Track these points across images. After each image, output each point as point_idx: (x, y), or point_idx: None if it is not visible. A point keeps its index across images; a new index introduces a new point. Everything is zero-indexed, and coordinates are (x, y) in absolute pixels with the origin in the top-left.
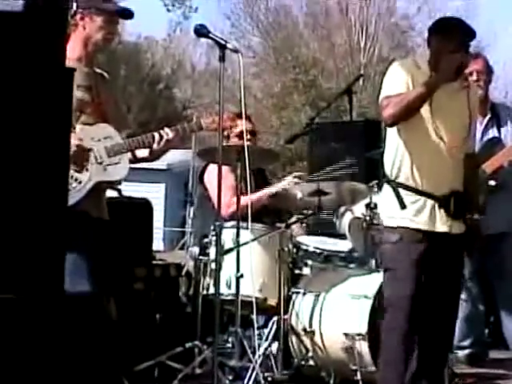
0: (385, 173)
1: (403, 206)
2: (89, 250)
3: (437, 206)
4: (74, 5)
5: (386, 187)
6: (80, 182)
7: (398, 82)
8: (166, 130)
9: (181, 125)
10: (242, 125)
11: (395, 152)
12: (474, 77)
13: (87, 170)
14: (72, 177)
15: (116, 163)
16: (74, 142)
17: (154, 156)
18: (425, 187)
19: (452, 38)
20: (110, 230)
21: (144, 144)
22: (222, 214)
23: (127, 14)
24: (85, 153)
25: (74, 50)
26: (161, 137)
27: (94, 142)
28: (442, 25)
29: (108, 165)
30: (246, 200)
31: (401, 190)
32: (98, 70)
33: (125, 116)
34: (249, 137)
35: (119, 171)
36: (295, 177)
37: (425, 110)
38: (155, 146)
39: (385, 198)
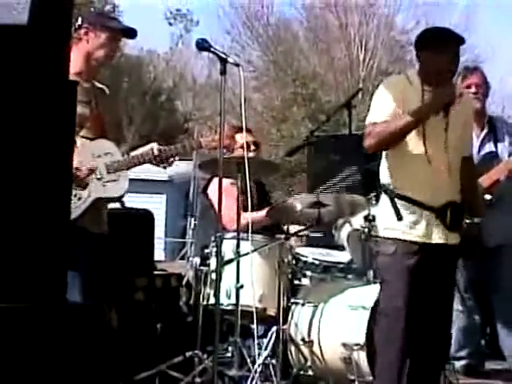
0: (381, 183)
1: (400, 218)
2: (84, 266)
3: (433, 217)
4: (80, 19)
5: (384, 198)
6: (79, 199)
7: (383, 106)
8: (165, 148)
9: (181, 143)
10: (243, 137)
11: (392, 163)
12: (473, 89)
13: (87, 185)
14: (72, 193)
15: (115, 180)
16: (75, 158)
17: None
18: (421, 198)
19: (442, 49)
20: (109, 244)
21: (144, 161)
22: (228, 228)
23: (131, 33)
24: (85, 169)
25: (75, 64)
26: (159, 156)
27: (94, 157)
28: (428, 37)
29: (107, 181)
30: (248, 218)
31: (397, 201)
32: (99, 85)
33: (123, 131)
34: (253, 147)
35: (118, 188)
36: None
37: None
38: (154, 162)
39: (382, 209)
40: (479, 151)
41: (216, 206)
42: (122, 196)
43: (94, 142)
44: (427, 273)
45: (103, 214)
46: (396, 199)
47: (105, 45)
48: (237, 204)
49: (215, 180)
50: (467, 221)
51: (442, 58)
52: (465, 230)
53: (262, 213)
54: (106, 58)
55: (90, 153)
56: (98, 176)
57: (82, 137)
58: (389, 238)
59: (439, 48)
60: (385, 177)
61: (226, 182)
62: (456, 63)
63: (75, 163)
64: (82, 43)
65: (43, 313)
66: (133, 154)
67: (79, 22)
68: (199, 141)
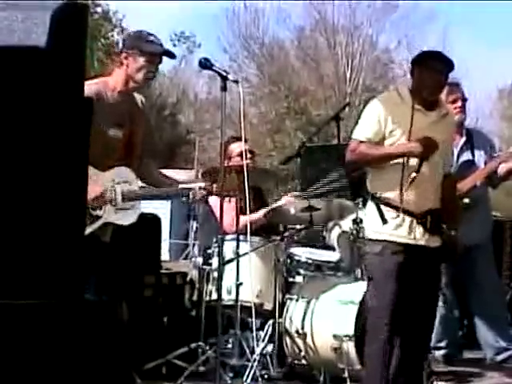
0: (368, 190)
1: (385, 221)
2: (96, 269)
3: (415, 221)
4: (121, 43)
5: (370, 204)
6: (92, 220)
7: (370, 125)
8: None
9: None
10: (240, 146)
11: (378, 171)
12: (459, 103)
13: (100, 208)
14: (87, 213)
15: (127, 209)
16: (98, 188)
17: None
18: (404, 205)
19: (432, 66)
20: (113, 248)
21: (156, 196)
22: (228, 231)
23: (169, 55)
24: (105, 198)
25: (116, 85)
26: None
27: (113, 183)
28: (424, 57)
29: (120, 209)
30: (246, 219)
31: (382, 207)
32: (138, 97)
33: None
34: (249, 156)
35: (128, 217)
36: (291, 196)
37: (406, 135)
38: (164, 196)
39: (368, 214)
40: (458, 159)
41: (216, 212)
42: (131, 224)
43: (117, 168)
44: (412, 271)
45: (110, 228)
46: (381, 205)
47: (143, 67)
48: (236, 209)
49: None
50: (445, 230)
51: (436, 76)
52: (445, 237)
53: (259, 213)
54: (145, 81)
55: (111, 178)
56: (113, 202)
57: (111, 160)
58: (376, 240)
59: (434, 67)
60: (371, 184)
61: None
62: (444, 83)
63: (97, 189)
64: (123, 67)
65: (62, 308)
66: (149, 189)
67: (120, 46)
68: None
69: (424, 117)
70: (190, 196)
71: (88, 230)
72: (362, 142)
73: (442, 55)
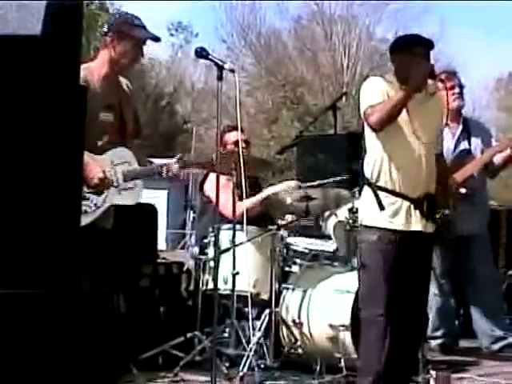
0: (365, 176)
1: (382, 208)
2: (94, 258)
3: (412, 207)
4: (106, 26)
5: (366, 189)
6: (95, 204)
7: (375, 93)
8: (172, 163)
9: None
10: (236, 136)
11: (375, 157)
12: (457, 89)
13: (102, 192)
14: (89, 199)
15: (131, 188)
16: (99, 173)
17: None
18: (402, 189)
19: (414, 51)
20: (116, 236)
21: (155, 172)
22: (227, 216)
23: (154, 40)
24: (107, 180)
25: (101, 69)
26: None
27: (113, 165)
28: (402, 41)
29: (123, 189)
30: (243, 205)
31: (380, 193)
32: (124, 81)
33: (141, 127)
34: (244, 145)
35: (133, 196)
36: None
37: (401, 118)
38: (163, 175)
39: (364, 200)
40: (455, 148)
41: (213, 200)
42: (137, 203)
43: (113, 150)
44: (406, 258)
45: (111, 214)
46: (378, 191)
47: (129, 52)
48: (232, 195)
49: (210, 177)
50: (438, 212)
51: (413, 59)
52: (439, 220)
53: (257, 197)
54: (131, 64)
55: (109, 160)
56: (115, 184)
57: (105, 143)
58: (372, 227)
59: (410, 51)
60: (368, 170)
61: (221, 177)
62: (430, 67)
63: (97, 170)
64: (108, 50)
65: (57, 298)
66: (149, 165)
67: (105, 29)
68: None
69: (416, 94)
70: (164, 170)
71: (94, 216)
72: (373, 105)
73: (421, 37)
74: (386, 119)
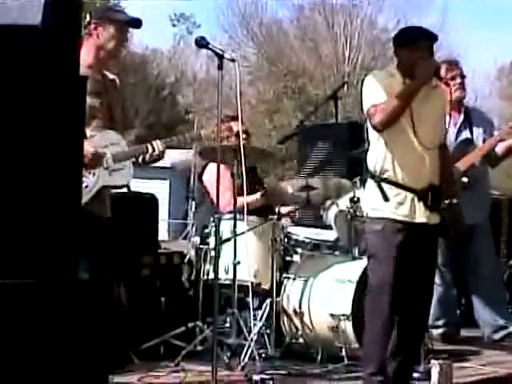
0: (368, 169)
1: (386, 199)
2: (91, 248)
3: (416, 198)
4: (88, 16)
5: (370, 182)
6: (87, 187)
7: (378, 90)
8: (158, 142)
9: (182, 135)
10: (238, 126)
11: (378, 149)
12: (458, 80)
13: (94, 174)
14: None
15: (121, 169)
16: (90, 149)
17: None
18: (406, 181)
19: (418, 46)
20: (117, 226)
21: (145, 152)
22: (223, 211)
23: (136, 23)
24: (99, 159)
25: (86, 57)
26: (155, 148)
27: (102, 148)
28: (406, 35)
29: (113, 170)
30: (242, 201)
31: (384, 185)
32: (111, 76)
33: (130, 119)
34: (244, 136)
35: (123, 177)
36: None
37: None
38: (155, 153)
39: (369, 192)
40: (456, 138)
41: (210, 191)
42: (128, 184)
43: (102, 133)
44: (411, 249)
45: (107, 200)
46: (382, 183)
47: (114, 36)
48: (232, 187)
49: (209, 167)
50: (446, 201)
51: (417, 54)
52: (446, 210)
53: (256, 195)
54: (116, 49)
55: (98, 143)
56: (105, 165)
57: (93, 127)
58: (377, 218)
59: (414, 45)
60: (372, 163)
61: (220, 167)
62: (435, 62)
63: (88, 149)
64: (92, 38)
65: (56, 288)
66: (137, 146)
67: (88, 18)
68: (199, 133)
69: None
70: (150, 149)
71: (86, 198)
72: (376, 104)
73: (421, 29)
74: (389, 120)
